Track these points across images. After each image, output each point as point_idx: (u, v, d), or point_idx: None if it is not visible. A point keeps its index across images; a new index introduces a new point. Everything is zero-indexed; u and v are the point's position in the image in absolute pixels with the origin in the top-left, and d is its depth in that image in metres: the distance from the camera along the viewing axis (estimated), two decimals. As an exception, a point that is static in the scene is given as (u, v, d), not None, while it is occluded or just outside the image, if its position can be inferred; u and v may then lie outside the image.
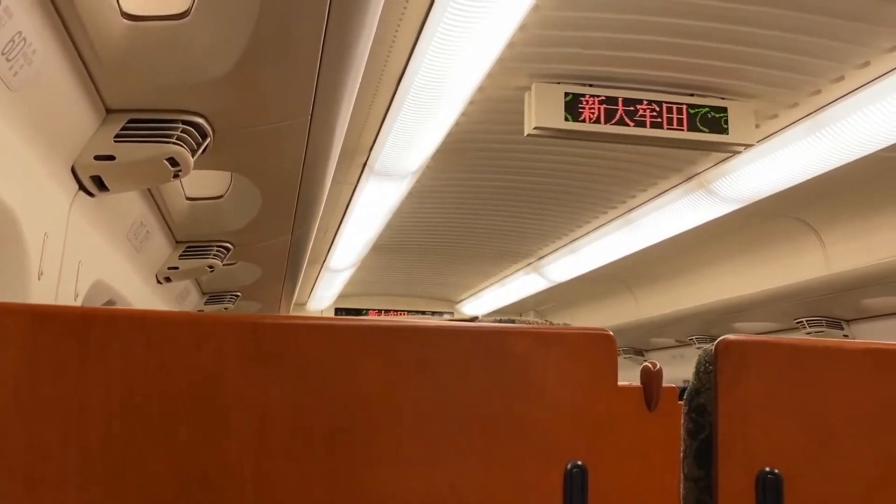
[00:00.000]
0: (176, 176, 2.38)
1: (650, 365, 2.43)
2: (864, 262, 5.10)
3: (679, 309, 7.03)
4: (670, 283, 7.13)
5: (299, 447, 0.93)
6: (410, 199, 5.95)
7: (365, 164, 5.20)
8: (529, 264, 8.26)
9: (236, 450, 0.92)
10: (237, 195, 3.45)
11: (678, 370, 7.71)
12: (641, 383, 2.34)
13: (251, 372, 0.91)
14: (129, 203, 2.86)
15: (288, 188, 3.31)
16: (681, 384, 2.24)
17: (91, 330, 0.89)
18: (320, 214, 4.32)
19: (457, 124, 4.41)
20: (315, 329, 0.96)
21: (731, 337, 1.06)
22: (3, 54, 1.53)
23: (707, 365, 1.09)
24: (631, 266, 6.94)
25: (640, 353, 9.14)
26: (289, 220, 3.91)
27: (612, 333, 1.07)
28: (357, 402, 0.94)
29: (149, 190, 2.97)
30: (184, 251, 3.75)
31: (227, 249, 3.92)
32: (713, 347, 1.08)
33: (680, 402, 2.19)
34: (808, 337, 5.06)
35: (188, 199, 3.52)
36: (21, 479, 0.88)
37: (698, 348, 6.90)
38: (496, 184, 5.86)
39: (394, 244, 7.71)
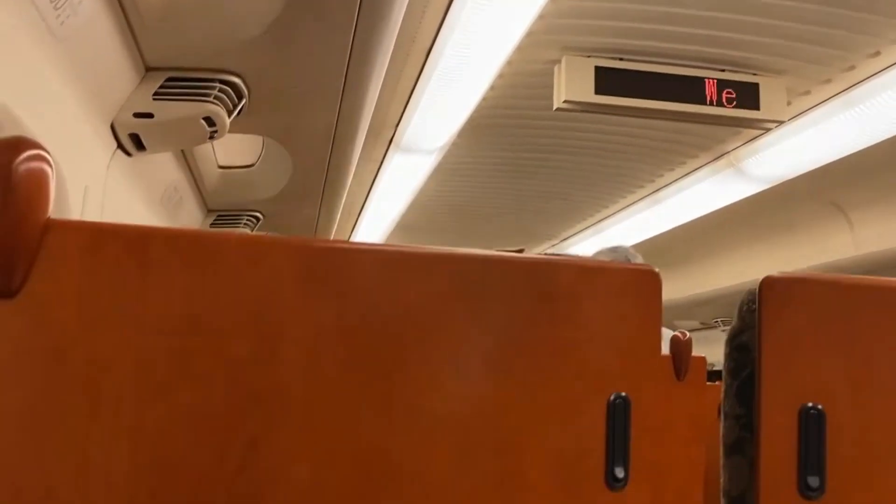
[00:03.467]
0: (212, 137, 2.41)
1: (679, 335, 2.41)
2: (893, 243, 5.04)
3: (704, 290, 6.99)
4: (696, 264, 7.08)
5: (347, 371, 0.94)
6: (435, 176, 5.96)
7: (391, 141, 5.22)
8: (553, 246, 8.24)
9: (287, 371, 0.93)
10: (268, 164, 3.48)
11: (703, 352, 7.65)
12: (671, 353, 2.32)
13: (304, 292, 0.93)
14: (162, 167, 2.89)
15: (318, 156, 3.33)
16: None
17: (150, 247, 0.91)
18: (348, 187, 4.34)
19: (484, 99, 4.40)
20: (365, 254, 0.97)
21: (775, 274, 1.06)
22: (51, 2, 1.56)
23: (750, 304, 1.10)
24: (657, 246, 6.90)
25: (663, 336, 9.10)
26: (318, 191, 3.94)
27: (657, 270, 1.07)
28: (404, 327, 0.95)
29: (183, 154, 3.00)
30: (215, 219, 3.80)
31: (257, 219, 3.96)
32: (757, 286, 1.08)
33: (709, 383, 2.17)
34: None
35: (220, 167, 3.55)
36: (81, 392, 0.90)
37: (723, 331, 6.85)
38: (522, 161, 5.84)
39: (417, 223, 7.73)
